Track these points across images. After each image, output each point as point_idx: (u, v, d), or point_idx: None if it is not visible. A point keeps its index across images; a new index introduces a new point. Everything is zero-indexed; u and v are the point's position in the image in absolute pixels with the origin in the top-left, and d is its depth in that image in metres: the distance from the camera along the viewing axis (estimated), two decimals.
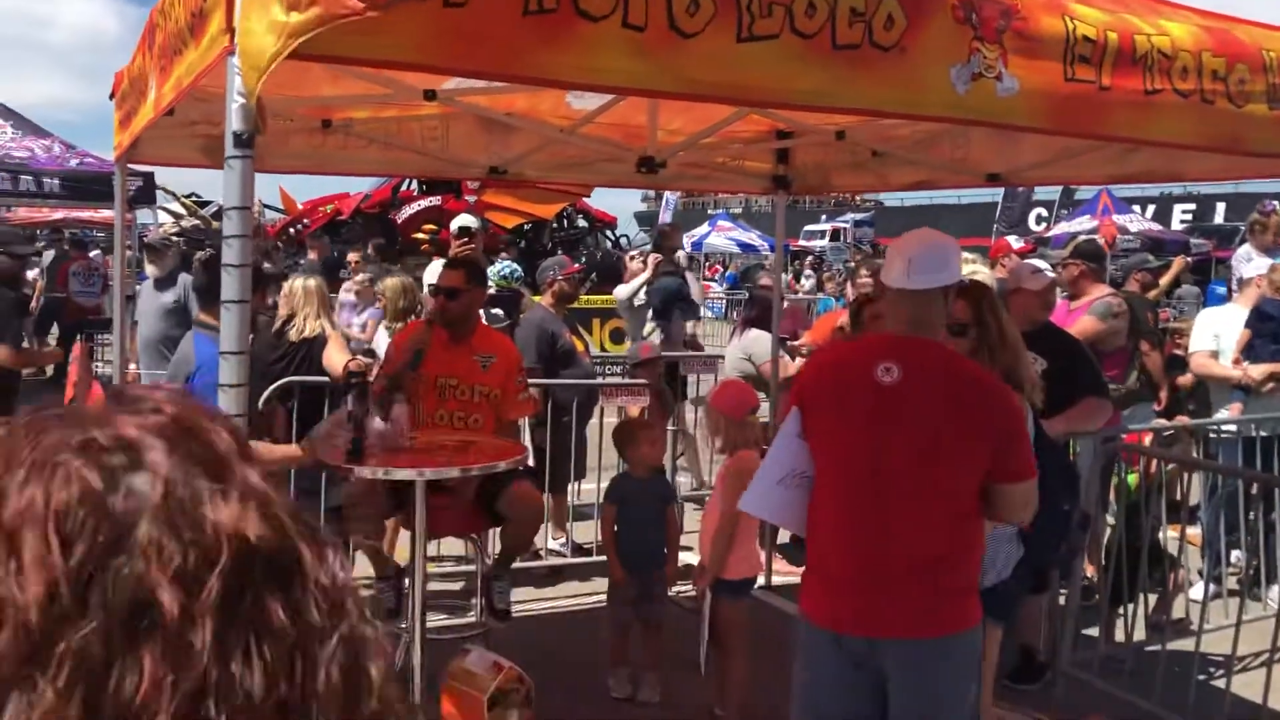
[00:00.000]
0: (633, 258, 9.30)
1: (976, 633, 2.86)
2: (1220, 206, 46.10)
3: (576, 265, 8.10)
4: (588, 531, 7.05)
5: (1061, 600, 5.04)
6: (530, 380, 6.26)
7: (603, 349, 11.05)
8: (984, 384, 2.80)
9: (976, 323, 3.62)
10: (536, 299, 7.47)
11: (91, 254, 15.72)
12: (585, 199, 19.83)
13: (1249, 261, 7.41)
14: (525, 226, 19.50)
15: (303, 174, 4.80)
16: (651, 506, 4.80)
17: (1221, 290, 9.96)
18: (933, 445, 2.72)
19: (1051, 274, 5.09)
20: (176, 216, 25.10)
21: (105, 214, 20.76)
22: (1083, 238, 7.92)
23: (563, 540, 6.87)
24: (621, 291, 8.51)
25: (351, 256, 11.03)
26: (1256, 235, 7.46)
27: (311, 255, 12.79)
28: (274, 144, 4.91)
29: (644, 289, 8.30)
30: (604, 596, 6.20)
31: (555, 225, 20.33)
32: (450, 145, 5.31)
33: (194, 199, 27.27)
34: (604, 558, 6.56)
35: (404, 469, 3.98)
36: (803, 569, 6.25)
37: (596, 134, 5.10)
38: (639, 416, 6.50)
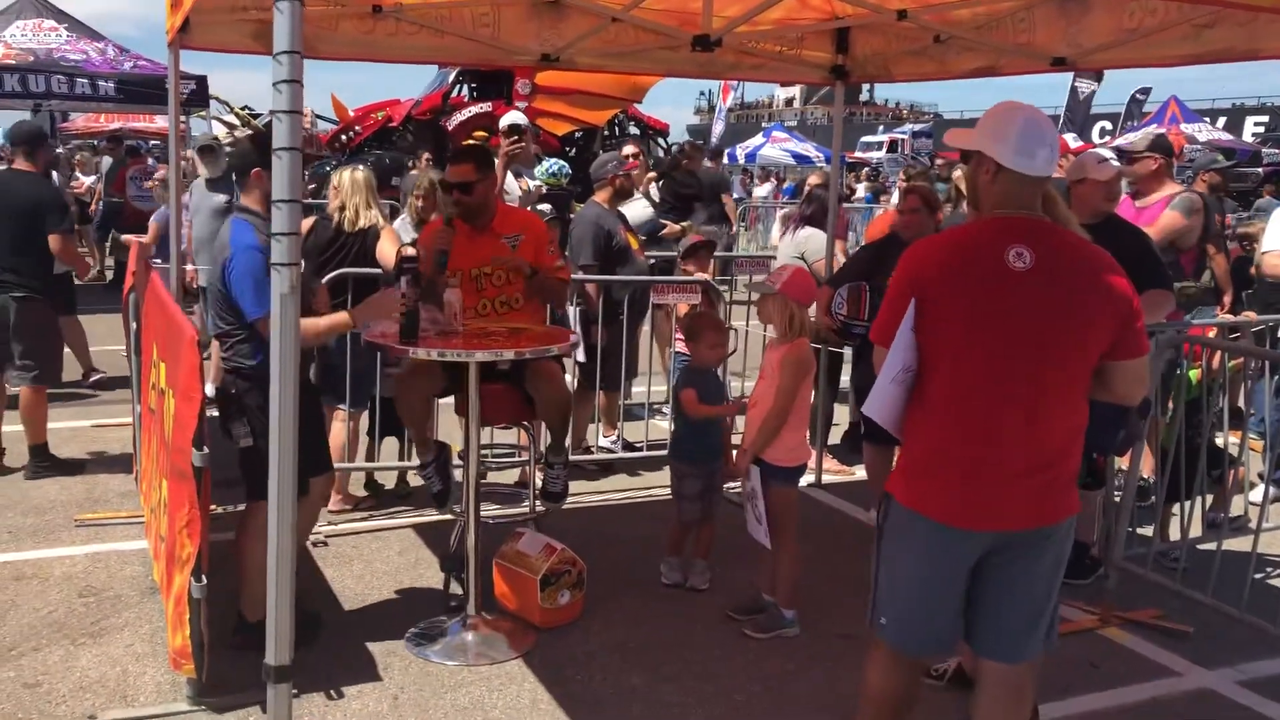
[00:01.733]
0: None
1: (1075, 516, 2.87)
2: None
3: (634, 160, 7.98)
4: (637, 430, 7.09)
5: (1116, 497, 4.98)
6: (586, 278, 6.25)
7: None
8: (1107, 263, 2.72)
9: None
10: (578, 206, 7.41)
11: (148, 161, 15.81)
12: (637, 105, 19.56)
13: None
14: (576, 134, 19.30)
15: (352, 60, 4.74)
16: (714, 397, 4.81)
17: None
18: (1065, 330, 2.66)
19: (1117, 164, 4.92)
20: (230, 127, 25.24)
21: (160, 124, 20.98)
22: (1155, 132, 7.70)
23: (613, 438, 6.90)
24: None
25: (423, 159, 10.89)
26: None
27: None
28: (324, 29, 4.87)
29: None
30: (653, 490, 6.29)
31: (607, 133, 20.09)
32: (501, 31, 5.22)
33: (248, 110, 27.38)
34: (653, 453, 6.66)
35: (457, 351, 3.98)
36: (853, 468, 6.28)
37: (650, 18, 4.98)
38: (690, 313, 6.47)
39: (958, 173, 6.21)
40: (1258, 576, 4.69)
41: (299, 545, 4.05)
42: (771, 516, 4.33)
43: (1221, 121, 35.05)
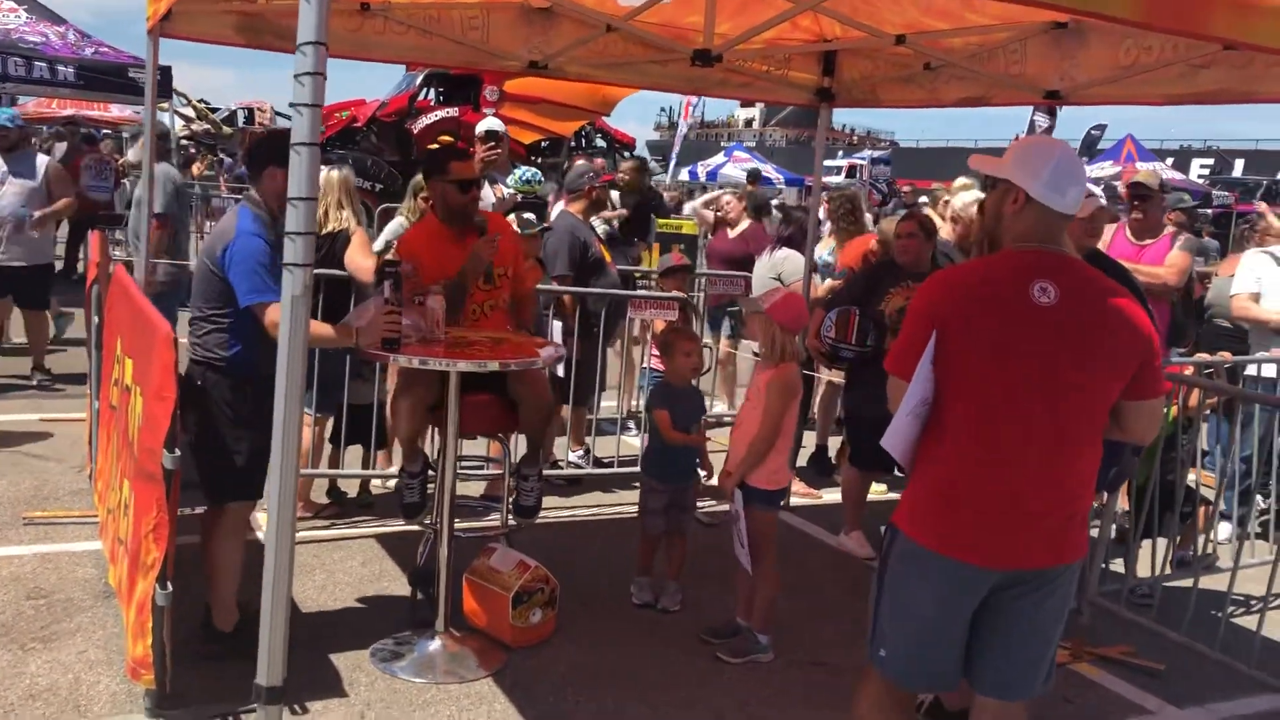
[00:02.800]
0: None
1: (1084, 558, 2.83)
2: (1239, 162, 45.84)
3: (609, 174, 7.92)
4: (607, 445, 7.01)
5: (1094, 532, 4.98)
6: (561, 289, 6.16)
7: None
8: (1129, 301, 2.69)
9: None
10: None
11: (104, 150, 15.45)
12: (605, 118, 19.51)
13: None
14: (543, 144, 19.19)
15: (338, 58, 4.61)
16: (689, 417, 4.77)
17: None
18: (1088, 367, 2.62)
19: (1101, 199, 4.95)
20: (187, 120, 24.84)
21: (116, 113, 20.56)
22: (1144, 171, 7.81)
23: (581, 453, 6.81)
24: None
25: None
26: None
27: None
28: None
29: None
30: (623, 507, 6.21)
31: (573, 144, 20.02)
32: (491, 35, 5.13)
33: (204, 104, 26.98)
34: (623, 470, 6.59)
35: (440, 360, 3.88)
36: (820, 492, 6.25)
37: (644, 30, 4.93)
38: (666, 331, 6.41)
39: (958, 202, 6.20)
40: (1217, 614, 4.69)
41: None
42: (751, 539, 4.28)
43: (1169, 161, 35.78)
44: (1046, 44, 4.80)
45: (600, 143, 20.83)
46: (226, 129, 25.85)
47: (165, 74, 11.94)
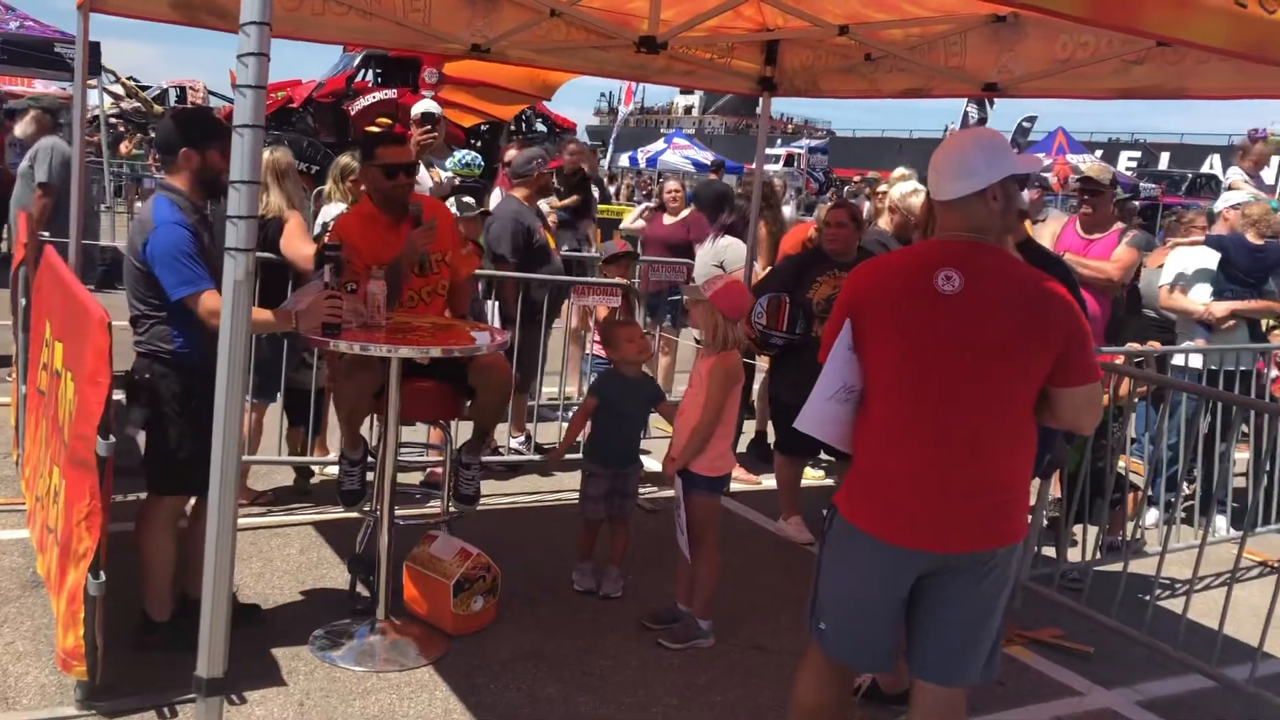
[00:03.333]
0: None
1: (1019, 544, 2.83)
2: (1165, 156, 46.99)
3: (557, 160, 7.88)
4: (549, 432, 6.99)
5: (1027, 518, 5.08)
6: (504, 275, 6.12)
7: None
8: (1048, 288, 2.70)
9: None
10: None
11: None
12: (545, 103, 19.42)
13: (1227, 191, 7.54)
14: (482, 127, 19.05)
15: (276, 38, 4.51)
16: (635, 406, 4.77)
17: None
18: (998, 354, 2.65)
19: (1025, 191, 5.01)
20: (116, 97, 24.23)
21: (40, 89, 19.99)
22: (1092, 165, 7.95)
23: (522, 439, 6.78)
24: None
25: None
26: (1241, 158, 7.81)
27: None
28: None
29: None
30: (563, 494, 6.21)
31: (513, 128, 19.89)
32: (433, 18, 5.07)
33: (134, 81, 26.33)
34: (565, 456, 6.57)
35: (381, 346, 3.83)
36: (759, 477, 6.31)
37: (588, 15, 4.90)
38: (609, 317, 6.40)
39: (896, 193, 6.27)
40: (1145, 597, 4.81)
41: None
42: (693, 526, 4.30)
43: (1098, 154, 36.54)
44: (985, 37, 4.87)
45: (540, 127, 20.74)
46: (157, 107, 25.27)
47: (94, 50, 11.66)
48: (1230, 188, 8.57)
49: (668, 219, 8.77)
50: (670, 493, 4.51)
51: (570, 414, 7.38)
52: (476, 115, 18.17)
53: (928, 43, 5.10)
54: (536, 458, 6.66)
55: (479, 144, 18.57)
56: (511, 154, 8.48)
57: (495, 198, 8.63)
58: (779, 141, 47.03)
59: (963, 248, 2.73)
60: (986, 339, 2.65)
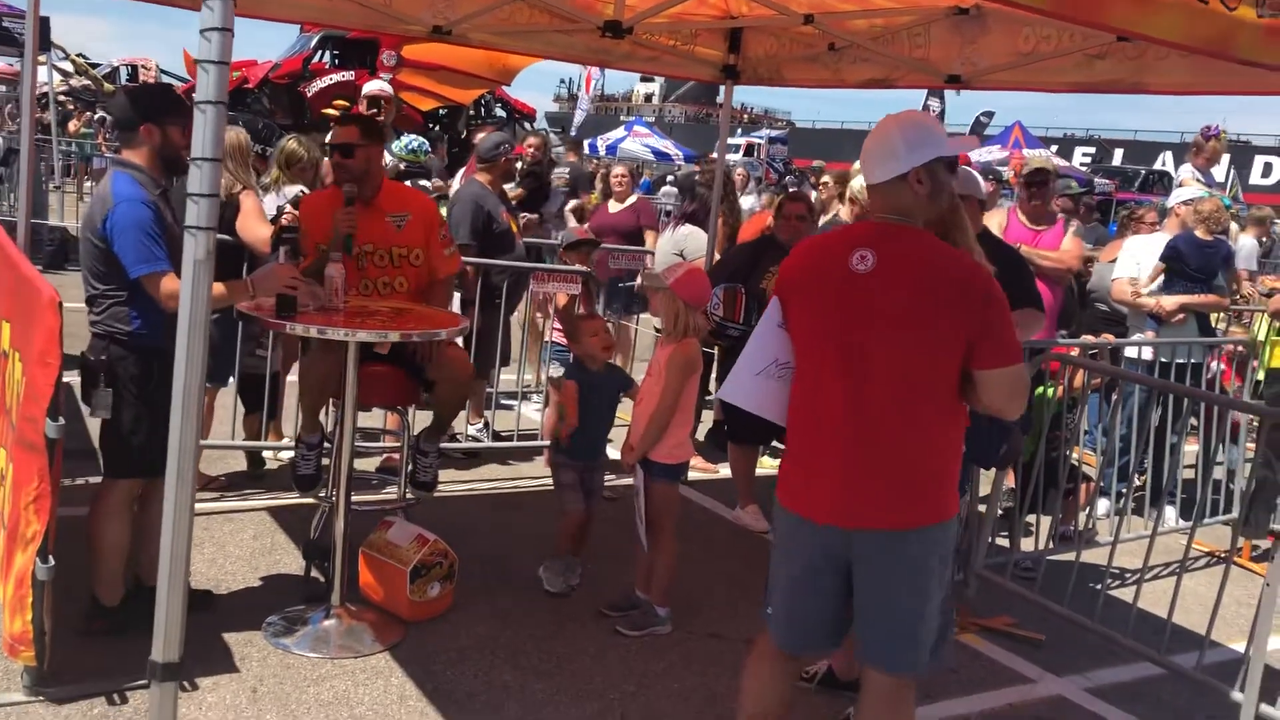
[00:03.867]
0: None
1: (949, 526, 2.83)
2: (1119, 152, 47.63)
3: (522, 146, 7.83)
4: (506, 420, 6.96)
5: (981, 508, 5.14)
6: (464, 260, 6.06)
7: None
8: (961, 268, 2.70)
9: None
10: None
11: None
12: (505, 88, 19.29)
13: (1178, 187, 7.66)
14: (441, 111, 18.89)
15: (238, 16, 4.42)
16: (603, 398, 4.65)
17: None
18: (910, 333, 2.67)
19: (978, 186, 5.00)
20: (65, 75, 23.76)
21: None
22: (1037, 158, 8.05)
23: (480, 426, 6.75)
24: None
25: None
26: (1193, 155, 7.98)
27: None
28: None
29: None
30: (520, 481, 6.19)
31: (472, 113, 19.75)
32: None
33: (83, 59, 25.83)
34: (522, 444, 6.56)
35: (338, 329, 3.78)
36: (717, 466, 6.33)
37: (552, 1, 4.87)
38: (569, 306, 6.38)
39: (857, 184, 6.31)
40: (1095, 587, 4.89)
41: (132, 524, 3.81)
42: (651, 514, 4.30)
43: (1054, 149, 36.94)
44: (949, 28, 4.89)
45: (500, 112, 20.60)
46: (108, 86, 24.82)
47: (44, 25, 11.42)
48: (1181, 184, 8.70)
49: (614, 206, 8.74)
50: (629, 481, 4.51)
51: (522, 401, 7.37)
52: (435, 99, 18.00)
53: (891, 33, 5.12)
54: (495, 445, 6.63)
55: (437, 128, 18.43)
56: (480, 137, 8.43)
57: (457, 183, 8.56)
58: (739, 131, 47.04)
59: (882, 229, 2.78)
60: (894, 317, 2.67)
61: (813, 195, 8.32)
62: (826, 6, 4.85)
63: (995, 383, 2.69)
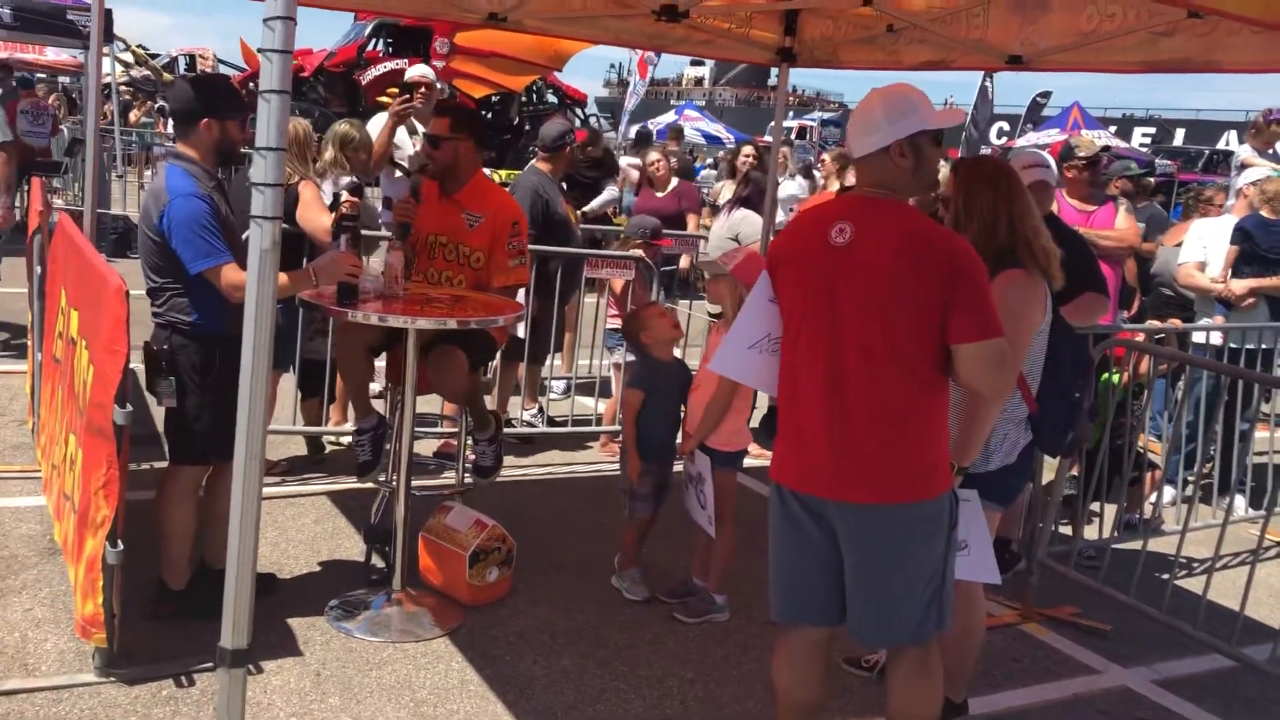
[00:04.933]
0: None
1: (937, 504, 2.80)
2: (1180, 132, 46.62)
3: (581, 132, 7.84)
4: (561, 405, 6.98)
5: (1046, 496, 5.06)
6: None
7: None
8: (935, 241, 2.68)
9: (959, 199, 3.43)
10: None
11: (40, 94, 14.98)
12: (557, 73, 19.30)
13: (1241, 171, 7.48)
14: (493, 98, 18.95)
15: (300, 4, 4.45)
16: (673, 392, 4.50)
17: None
18: (883, 305, 2.67)
19: (1046, 168, 4.87)
20: (126, 65, 24.17)
21: (51, 57, 19.91)
22: (1082, 139, 7.89)
23: (534, 411, 6.77)
24: None
25: None
26: (1252, 136, 7.89)
27: None
28: None
29: None
30: (575, 467, 6.21)
31: (524, 99, 19.78)
32: None
33: (143, 49, 26.26)
34: (577, 429, 6.57)
35: (398, 317, 3.81)
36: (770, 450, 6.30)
37: None
38: (625, 293, 6.37)
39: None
40: (1164, 577, 4.79)
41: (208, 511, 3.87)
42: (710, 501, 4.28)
43: (1112, 129, 36.21)
44: (1009, 8, 4.78)
45: (551, 98, 20.60)
46: (167, 75, 25.19)
47: (108, 18, 11.58)
48: (1244, 164, 8.51)
49: (657, 192, 8.71)
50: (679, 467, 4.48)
51: (577, 387, 7.37)
52: (488, 85, 18.12)
53: (951, 14, 5.01)
54: (550, 430, 6.65)
55: (490, 114, 18.49)
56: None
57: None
58: (790, 114, 46.70)
59: (862, 202, 2.80)
60: (868, 291, 2.69)
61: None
62: None
63: (969, 358, 2.68)
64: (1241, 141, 13.26)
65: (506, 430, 6.36)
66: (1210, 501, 6.09)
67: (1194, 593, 4.64)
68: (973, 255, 2.70)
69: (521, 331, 6.06)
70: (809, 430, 2.80)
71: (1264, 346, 6.24)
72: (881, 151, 2.77)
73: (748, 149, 8.58)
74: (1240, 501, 6.16)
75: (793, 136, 40.80)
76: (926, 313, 2.65)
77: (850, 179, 6.27)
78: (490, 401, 4.88)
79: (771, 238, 6.55)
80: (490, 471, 4.67)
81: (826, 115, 47.45)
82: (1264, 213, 6.42)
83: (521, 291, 5.65)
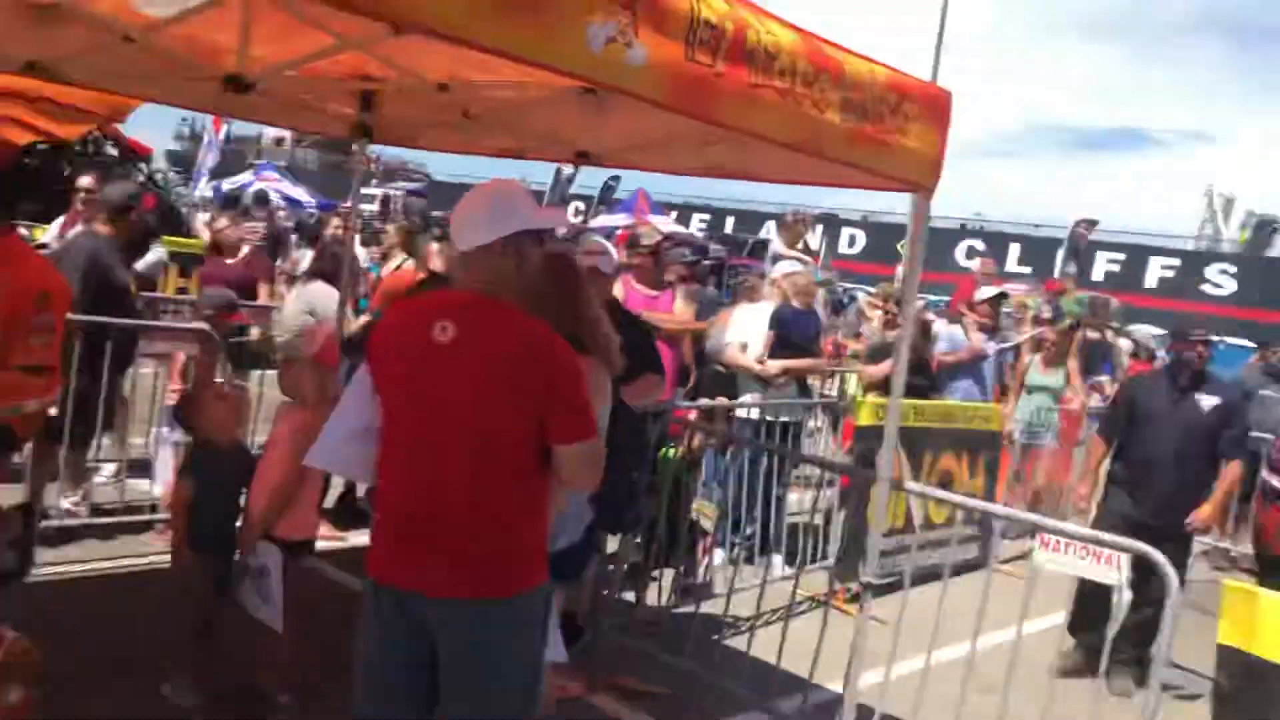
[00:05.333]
0: None
1: (534, 596, 2.82)
2: (730, 220, 51.61)
3: (150, 198, 7.27)
4: (108, 492, 6.36)
5: (610, 567, 5.30)
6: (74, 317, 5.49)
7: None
8: (537, 343, 2.74)
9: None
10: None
11: None
12: (118, 124, 17.80)
13: (776, 262, 8.45)
14: (40, 146, 17.12)
15: None
16: (231, 481, 4.24)
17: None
18: (481, 403, 2.69)
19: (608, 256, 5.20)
20: None
21: None
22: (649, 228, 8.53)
23: (77, 499, 6.10)
24: None
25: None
26: (781, 232, 9.06)
27: None
28: None
29: None
30: (126, 561, 5.66)
31: (80, 150, 18.02)
32: None
33: None
34: (127, 518, 6.02)
35: None
36: (345, 534, 6.13)
37: (167, 46, 4.55)
38: (186, 371, 5.96)
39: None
40: (716, 638, 5.19)
41: None
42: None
43: (673, 215, 39.28)
44: (578, 108, 5.06)
45: (111, 151, 18.95)
46: None
47: None
48: (776, 256, 9.67)
49: (226, 259, 8.36)
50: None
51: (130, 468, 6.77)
52: (33, 133, 16.29)
53: (526, 106, 5.23)
54: (96, 520, 6.03)
55: (36, 163, 16.69)
56: (87, 182, 7.75)
57: (53, 230, 7.83)
58: (374, 181, 46.28)
59: (465, 299, 2.80)
60: (468, 390, 2.70)
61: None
62: (461, 76, 4.87)
63: (566, 458, 2.75)
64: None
65: (46, 523, 5.69)
66: (753, 561, 6.69)
67: (742, 650, 5.04)
68: (572, 358, 2.76)
69: (54, 410, 5.46)
70: (405, 524, 2.75)
71: (794, 420, 7.03)
72: (484, 248, 2.77)
73: (336, 220, 8.43)
74: (778, 560, 6.82)
75: (376, 205, 40.55)
76: (525, 414, 2.68)
77: (437, 263, 6.37)
78: (18, 493, 4.32)
79: (349, 313, 6.44)
80: (12, 576, 4.13)
81: (411, 185, 47.60)
82: (795, 303, 7.26)
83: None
